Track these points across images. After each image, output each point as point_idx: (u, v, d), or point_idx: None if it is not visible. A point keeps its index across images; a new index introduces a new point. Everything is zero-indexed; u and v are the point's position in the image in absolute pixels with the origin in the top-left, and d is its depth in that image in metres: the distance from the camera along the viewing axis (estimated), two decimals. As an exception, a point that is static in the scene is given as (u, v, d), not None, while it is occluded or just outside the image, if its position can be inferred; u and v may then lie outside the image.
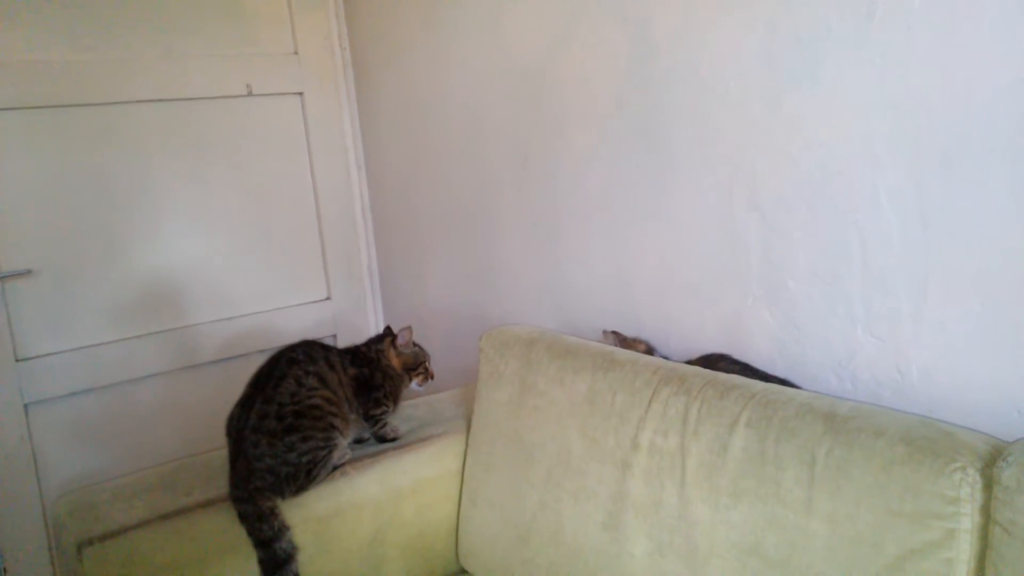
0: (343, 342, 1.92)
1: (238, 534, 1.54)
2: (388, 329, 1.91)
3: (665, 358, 1.67)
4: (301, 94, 2.69)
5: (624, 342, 1.77)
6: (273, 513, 1.56)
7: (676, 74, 1.67)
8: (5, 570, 2.31)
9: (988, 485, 1.02)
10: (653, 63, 1.71)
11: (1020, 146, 1.17)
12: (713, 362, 1.60)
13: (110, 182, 2.40)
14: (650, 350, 1.77)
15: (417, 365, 1.88)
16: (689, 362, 1.61)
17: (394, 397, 1.84)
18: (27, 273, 2.29)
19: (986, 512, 1.02)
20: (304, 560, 1.56)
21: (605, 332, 1.83)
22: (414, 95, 2.49)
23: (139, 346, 2.46)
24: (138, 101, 2.42)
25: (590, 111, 1.89)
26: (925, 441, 1.08)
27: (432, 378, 1.90)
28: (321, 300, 2.79)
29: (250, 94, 2.58)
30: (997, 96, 1.19)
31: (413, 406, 1.99)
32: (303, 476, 1.61)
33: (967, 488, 1.02)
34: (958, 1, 1.20)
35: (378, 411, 1.79)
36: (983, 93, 1.20)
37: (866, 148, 1.36)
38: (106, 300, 2.42)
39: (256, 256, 2.66)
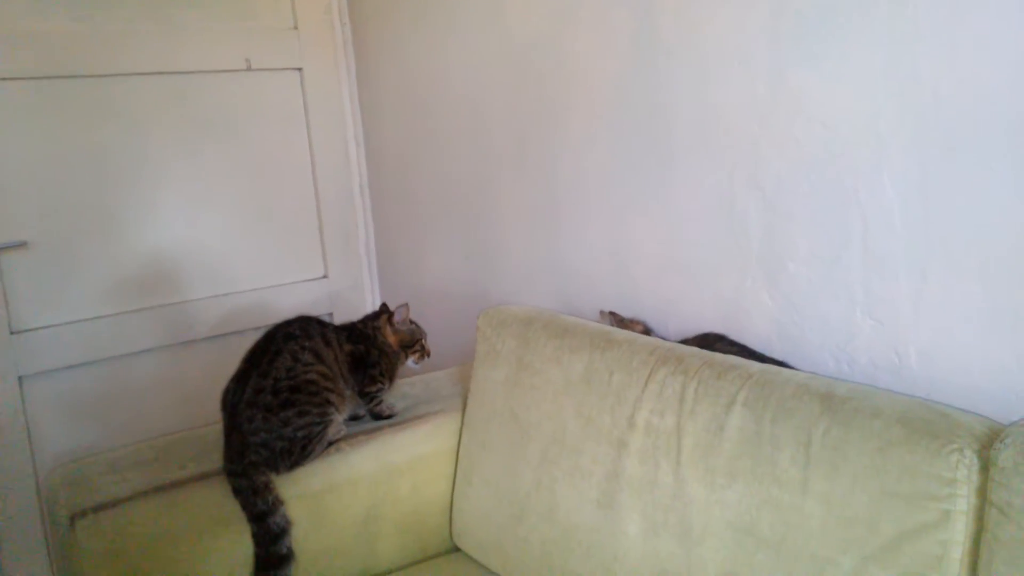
0: (340, 320, 1.91)
1: (232, 508, 1.54)
2: (384, 306, 1.91)
3: (663, 339, 1.66)
4: (300, 70, 2.66)
5: (622, 323, 1.77)
6: (267, 487, 1.55)
7: (678, 54, 1.65)
8: (-2, 542, 2.31)
9: (985, 467, 1.02)
10: (655, 42, 1.69)
11: (1024, 128, 1.16)
12: (711, 342, 1.59)
13: (107, 155, 2.38)
14: (648, 331, 1.76)
15: (414, 343, 1.87)
16: (686, 340, 1.61)
17: (390, 374, 1.83)
18: (23, 245, 2.27)
19: (982, 494, 1.02)
20: (298, 535, 1.56)
21: (602, 312, 1.82)
22: (414, 73, 2.47)
23: (135, 321, 2.45)
24: (136, 74, 2.40)
25: (591, 90, 1.87)
26: (922, 422, 1.08)
27: (428, 355, 1.90)
28: (318, 278, 2.78)
29: (249, 69, 2.56)
30: (1003, 79, 1.18)
31: (409, 384, 1.99)
32: (298, 451, 1.60)
33: (964, 469, 1.02)
34: (966, -20, 1.19)
35: (374, 388, 1.79)
36: (989, 76, 1.19)
37: (870, 129, 1.35)
38: (102, 274, 2.40)
39: (253, 233, 2.64)
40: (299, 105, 2.69)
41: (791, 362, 1.50)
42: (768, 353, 1.55)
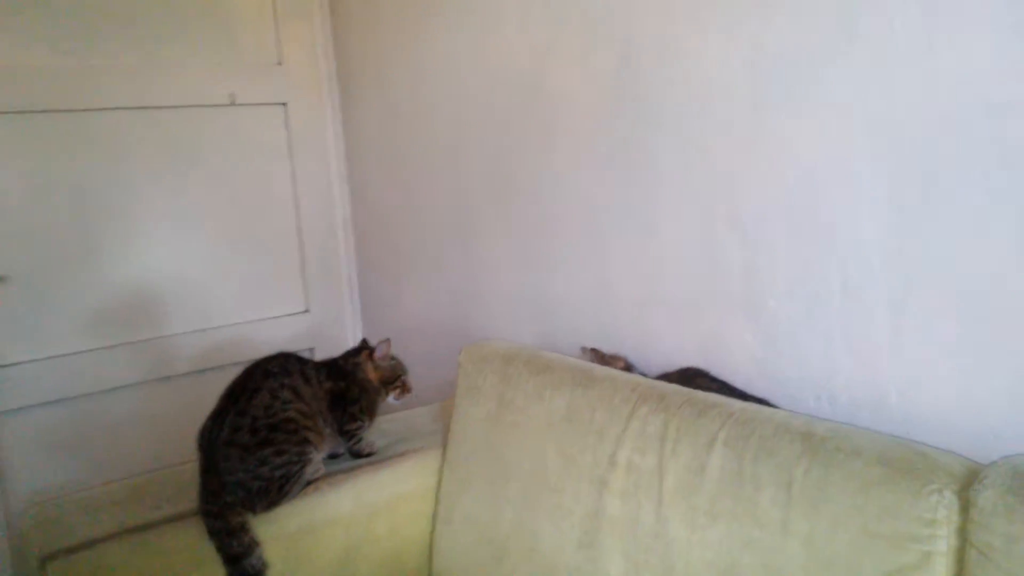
0: (321, 356, 1.89)
1: (207, 550, 1.50)
2: (365, 342, 1.89)
3: (643, 375, 1.66)
4: (285, 104, 2.67)
5: (603, 359, 1.76)
6: (243, 529, 1.52)
7: (660, 91, 1.67)
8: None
9: (965, 507, 1.01)
10: (637, 79, 1.71)
11: (1000, 168, 1.17)
12: (690, 377, 1.59)
13: (87, 189, 2.37)
14: (629, 367, 1.76)
15: (395, 378, 1.85)
16: (666, 375, 1.61)
17: (370, 412, 1.81)
18: (0, 279, 2.25)
19: (962, 535, 1.01)
20: (274, 576, 1.54)
21: (584, 348, 1.82)
22: (398, 108, 2.49)
23: (113, 356, 2.42)
24: (119, 108, 2.40)
25: (573, 127, 1.89)
26: (902, 462, 1.08)
27: (410, 391, 1.88)
28: (300, 312, 2.77)
29: (233, 103, 2.56)
30: (979, 117, 1.19)
31: (389, 421, 1.97)
32: (275, 491, 1.58)
33: (944, 510, 1.02)
34: (939, 22, 1.21)
35: (353, 426, 1.77)
36: (965, 113, 1.20)
37: (847, 167, 1.36)
38: (80, 309, 2.38)
39: (234, 267, 2.63)
40: (283, 140, 2.69)
41: (772, 399, 1.50)
42: (749, 390, 1.55)
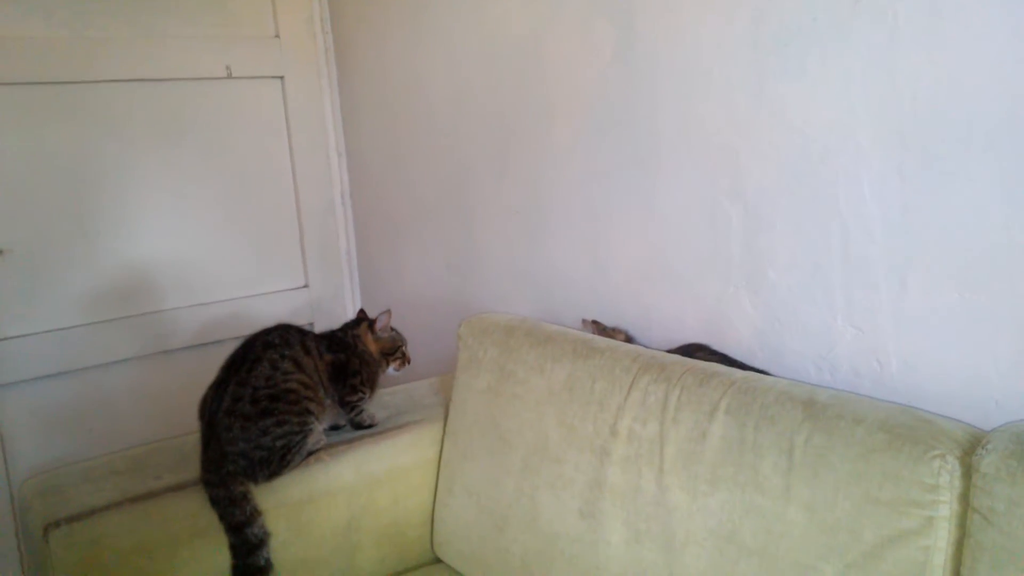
0: (320, 330, 1.89)
1: (209, 518, 1.51)
2: (363, 313, 1.89)
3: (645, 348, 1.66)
4: (282, 78, 2.65)
5: (604, 331, 1.76)
6: (245, 498, 1.53)
7: (660, 63, 1.66)
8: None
9: (967, 473, 1.02)
10: (637, 51, 1.70)
11: (1004, 138, 1.17)
12: (691, 352, 1.59)
13: (85, 162, 2.36)
14: (629, 339, 1.76)
15: (394, 350, 1.85)
16: (668, 352, 1.60)
17: (371, 383, 1.81)
18: (-2, 253, 2.24)
19: (964, 500, 1.02)
20: (276, 546, 1.54)
21: (584, 321, 1.82)
22: (396, 82, 2.47)
23: (112, 330, 2.42)
24: (115, 81, 2.37)
25: (572, 98, 1.87)
26: (905, 429, 1.08)
27: (409, 363, 1.88)
28: (299, 287, 2.76)
29: (229, 76, 2.54)
30: (982, 88, 1.18)
31: (390, 393, 1.97)
32: (277, 461, 1.58)
33: (946, 476, 1.02)
34: (945, -11, 1.20)
35: (354, 397, 1.77)
36: (968, 84, 1.20)
37: (850, 138, 1.35)
38: (79, 282, 2.37)
39: (233, 241, 2.62)
40: (280, 113, 2.67)
41: (773, 370, 1.50)
42: (749, 362, 1.55)
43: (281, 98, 2.67)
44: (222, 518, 1.51)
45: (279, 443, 1.58)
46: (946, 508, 1.02)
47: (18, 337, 2.29)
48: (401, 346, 1.87)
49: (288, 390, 1.62)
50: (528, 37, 1.96)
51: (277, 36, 2.63)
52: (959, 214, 1.24)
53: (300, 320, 2.63)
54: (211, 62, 2.51)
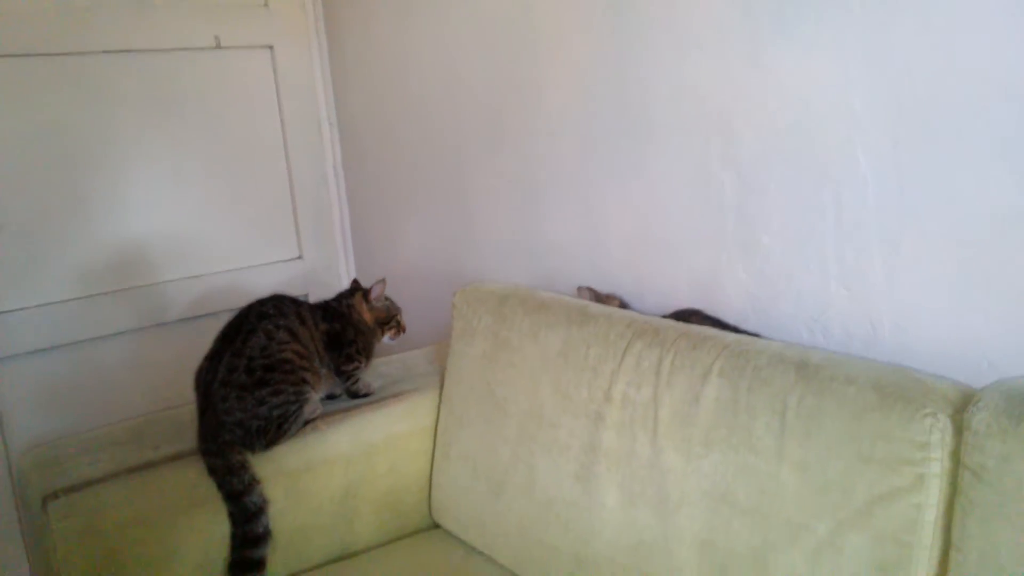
0: (315, 301, 1.90)
1: (207, 488, 1.52)
2: (356, 283, 1.89)
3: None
4: (271, 47, 2.62)
5: (598, 298, 1.76)
6: (243, 467, 1.54)
7: (652, 28, 1.64)
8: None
9: (958, 430, 1.03)
10: (629, 16, 1.68)
11: (999, 104, 1.17)
12: (685, 317, 1.59)
13: (75, 135, 2.34)
14: (624, 306, 1.76)
15: (389, 319, 1.86)
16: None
17: (366, 352, 1.82)
18: (-7, 227, 2.23)
19: (956, 457, 1.02)
20: (275, 514, 1.55)
21: (580, 288, 1.82)
22: (387, 51, 2.45)
23: (107, 303, 2.41)
24: (103, 52, 2.35)
25: (565, 65, 1.86)
26: (896, 388, 1.09)
27: (404, 331, 1.89)
28: (293, 259, 2.75)
29: (218, 47, 2.51)
30: (980, 53, 1.18)
31: (386, 363, 1.98)
32: (273, 430, 1.59)
33: (937, 433, 1.03)
34: (938, -53, 1.19)
35: (350, 367, 1.78)
36: (964, 48, 1.19)
37: (843, 103, 1.35)
38: (72, 256, 2.36)
39: (226, 213, 2.61)
40: (270, 84, 2.65)
41: (765, 334, 1.51)
42: (743, 326, 1.55)
43: (271, 68, 2.64)
44: (220, 487, 1.52)
45: (275, 413, 1.59)
46: (937, 465, 1.03)
47: (14, 311, 2.29)
48: (396, 315, 1.87)
49: (283, 360, 1.63)
50: (520, 5, 1.94)
51: (266, 5, 2.60)
52: (953, 178, 1.24)
53: (295, 291, 2.64)
54: (200, 32, 2.48)
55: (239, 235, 2.64)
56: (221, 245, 2.60)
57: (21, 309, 2.30)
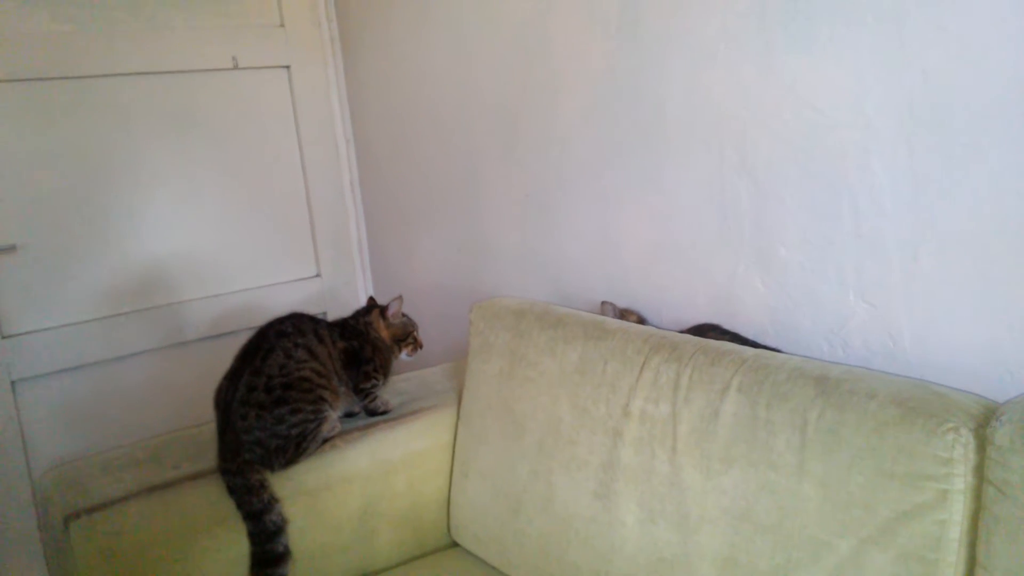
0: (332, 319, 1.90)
1: (227, 507, 1.53)
2: (372, 300, 1.90)
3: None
4: (288, 67, 2.65)
5: (620, 313, 1.76)
6: (263, 486, 1.54)
7: (667, 37, 1.64)
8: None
9: (981, 446, 1.01)
10: (642, 26, 1.69)
11: (1016, 110, 1.15)
12: (703, 332, 1.59)
13: (94, 156, 2.37)
14: (642, 321, 1.76)
15: (406, 335, 1.86)
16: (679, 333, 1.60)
17: (384, 370, 1.82)
18: (11, 249, 2.26)
19: (979, 473, 1.01)
20: (294, 533, 1.56)
21: (603, 303, 1.81)
22: (402, 68, 2.46)
23: (127, 323, 2.44)
24: (122, 74, 2.39)
25: (578, 78, 1.87)
26: (917, 402, 1.07)
27: (421, 347, 1.89)
28: (311, 277, 2.77)
29: (236, 67, 2.54)
30: (992, 56, 1.17)
31: (404, 380, 1.98)
32: (292, 449, 1.59)
33: (960, 448, 1.02)
34: (952, -42, 1.19)
35: (368, 384, 1.78)
36: (978, 53, 1.18)
37: (859, 111, 1.34)
38: (92, 276, 2.39)
39: (244, 232, 2.63)
40: (287, 103, 2.68)
41: (785, 347, 1.50)
42: (761, 340, 1.54)
43: (288, 87, 2.67)
44: (240, 506, 1.52)
45: (294, 431, 1.59)
46: (961, 481, 1.02)
47: (35, 332, 2.32)
48: (412, 331, 1.88)
49: (302, 378, 1.63)
50: (533, 17, 1.95)
51: (282, 25, 2.63)
52: (970, 186, 1.22)
53: (313, 309, 2.63)
54: (217, 53, 2.52)
55: (258, 254, 2.66)
56: (240, 264, 2.62)
57: (42, 330, 2.33)
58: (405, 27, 2.40)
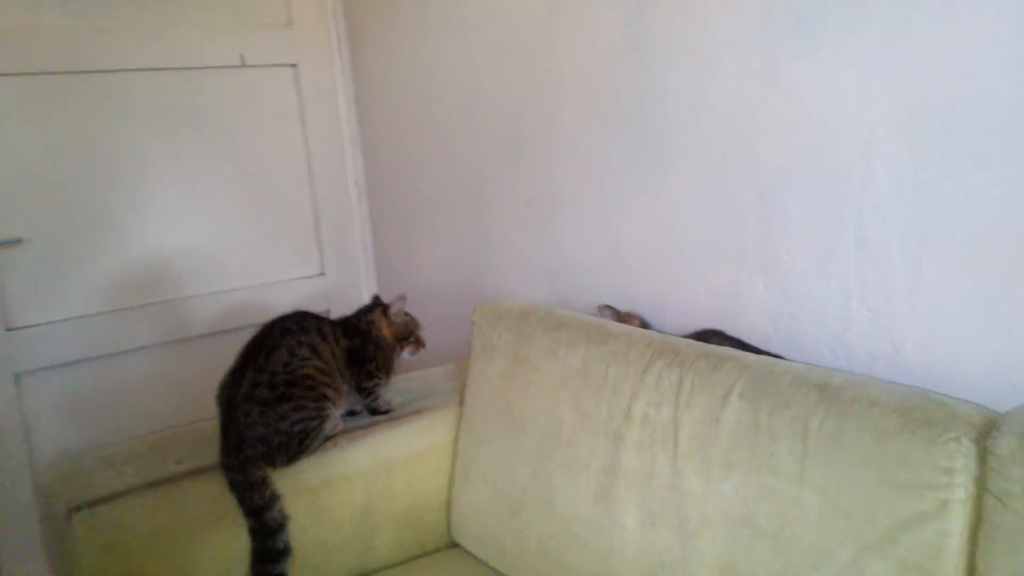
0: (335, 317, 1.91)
1: (228, 502, 1.53)
2: (376, 299, 1.90)
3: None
4: (295, 66, 2.66)
5: (619, 317, 1.77)
6: (264, 482, 1.55)
7: (670, 46, 1.65)
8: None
9: (982, 455, 1.02)
10: (647, 36, 1.69)
11: (1018, 119, 1.16)
12: (706, 338, 1.59)
13: (102, 152, 2.38)
14: (644, 325, 1.76)
15: (408, 334, 1.86)
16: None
17: (387, 369, 1.82)
18: (17, 242, 2.27)
19: (980, 483, 1.01)
20: (295, 530, 1.56)
21: (600, 307, 1.82)
22: (409, 69, 2.47)
23: (131, 317, 2.44)
24: (129, 70, 2.39)
25: (583, 83, 1.87)
26: (919, 411, 1.08)
27: (424, 346, 1.89)
28: (315, 275, 2.78)
29: (243, 65, 2.55)
30: (996, 67, 1.17)
31: (406, 379, 1.98)
32: (295, 446, 1.60)
33: (961, 458, 1.02)
34: (961, -31, 1.19)
35: (371, 383, 1.79)
36: (982, 64, 1.19)
37: (862, 121, 1.35)
38: (97, 271, 2.40)
39: (249, 230, 2.64)
40: (294, 101, 2.68)
41: (787, 354, 1.50)
42: (764, 347, 1.55)
43: (295, 86, 2.68)
44: (241, 502, 1.53)
45: (297, 428, 1.59)
46: (961, 491, 1.02)
47: (39, 325, 2.32)
48: (415, 330, 1.88)
49: (305, 376, 1.63)
50: (540, 23, 1.96)
51: (290, 24, 2.63)
52: (973, 195, 1.23)
53: (316, 307, 2.63)
54: (225, 50, 2.52)
55: (262, 251, 2.66)
56: (244, 261, 2.63)
57: (46, 323, 2.33)
58: (413, 28, 2.41)
